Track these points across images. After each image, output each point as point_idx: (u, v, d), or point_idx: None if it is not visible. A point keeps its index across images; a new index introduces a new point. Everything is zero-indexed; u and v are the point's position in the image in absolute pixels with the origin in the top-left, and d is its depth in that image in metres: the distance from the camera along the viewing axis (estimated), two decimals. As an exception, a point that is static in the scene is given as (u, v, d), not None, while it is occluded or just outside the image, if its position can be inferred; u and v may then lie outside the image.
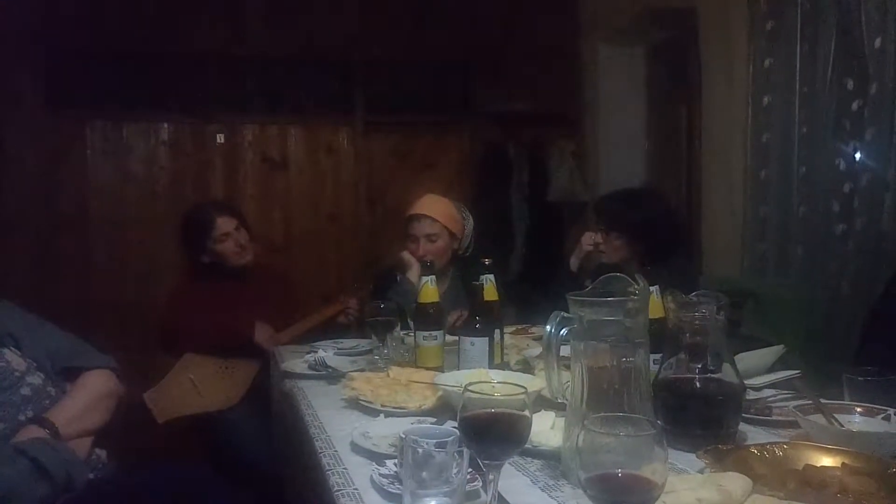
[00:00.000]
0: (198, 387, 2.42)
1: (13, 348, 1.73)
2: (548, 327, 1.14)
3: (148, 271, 3.70)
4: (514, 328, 2.20)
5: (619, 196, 2.58)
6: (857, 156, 2.47)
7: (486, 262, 1.78)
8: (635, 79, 3.97)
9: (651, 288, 1.49)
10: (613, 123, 3.97)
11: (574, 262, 2.48)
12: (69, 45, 3.60)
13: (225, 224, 2.67)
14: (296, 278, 3.15)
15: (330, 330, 2.53)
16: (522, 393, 0.96)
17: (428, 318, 1.75)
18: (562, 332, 1.12)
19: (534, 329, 2.22)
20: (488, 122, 4.08)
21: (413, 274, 2.43)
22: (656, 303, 1.44)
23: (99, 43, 3.64)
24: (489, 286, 1.75)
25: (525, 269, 4.00)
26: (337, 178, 4.04)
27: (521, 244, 4.09)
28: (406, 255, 2.50)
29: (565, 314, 1.13)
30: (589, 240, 2.45)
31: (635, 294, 1.16)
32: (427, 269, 1.86)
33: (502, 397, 0.96)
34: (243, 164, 3.94)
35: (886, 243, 2.31)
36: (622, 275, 1.20)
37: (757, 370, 1.62)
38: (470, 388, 0.97)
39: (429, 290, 1.77)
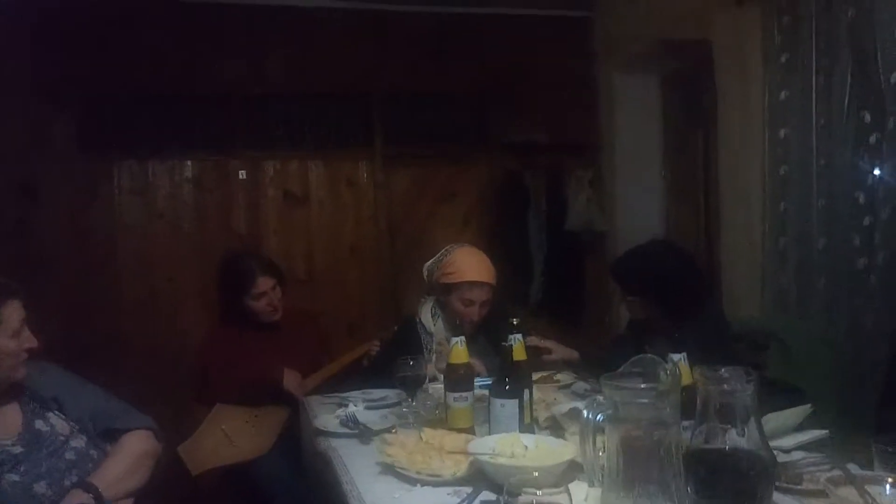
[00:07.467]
0: (230, 437, 2.47)
1: (57, 412, 1.77)
2: (584, 412, 1.17)
3: (177, 307, 3.75)
4: (538, 376, 2.19)
5: (629, 258, 2.46)
6: (877, 189, 2.48)
7: (514, 321, 1.80)
8: (651, 107, 3.98)
9: (678, 356, 1.53)
10: (630, 152, 3.98)
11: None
12: (98, 89, 3.68)
13: (265, 283, 2.70)
14: (319, 311, 3.18)
15: (353, 372, 2.58)
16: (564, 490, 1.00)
17: (458, 378, 1.77)
18: (598, 418, 1.15)
19: (558, 376, 2.24)
20: (506, 151, 4.10)
21: None
22: (685, 369, 1.47)
23: (125, 85, 3.70)
24: (518, 345, 1.76)
25: (544, 298, 4.02)
26: (357, 211, 4.08)
27: (540, 273, 4.10)
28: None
29: (600, 398, 1.16)
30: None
31: (666, 374, 1.19)
32: (457, 329, 1.88)
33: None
34: (265, 198, 3.98)
35: (909, 277, 2.32)
36: (652, 356, 1.23)
37: (784, 430, 1.64)
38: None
39: (458, 350, 1.79)
